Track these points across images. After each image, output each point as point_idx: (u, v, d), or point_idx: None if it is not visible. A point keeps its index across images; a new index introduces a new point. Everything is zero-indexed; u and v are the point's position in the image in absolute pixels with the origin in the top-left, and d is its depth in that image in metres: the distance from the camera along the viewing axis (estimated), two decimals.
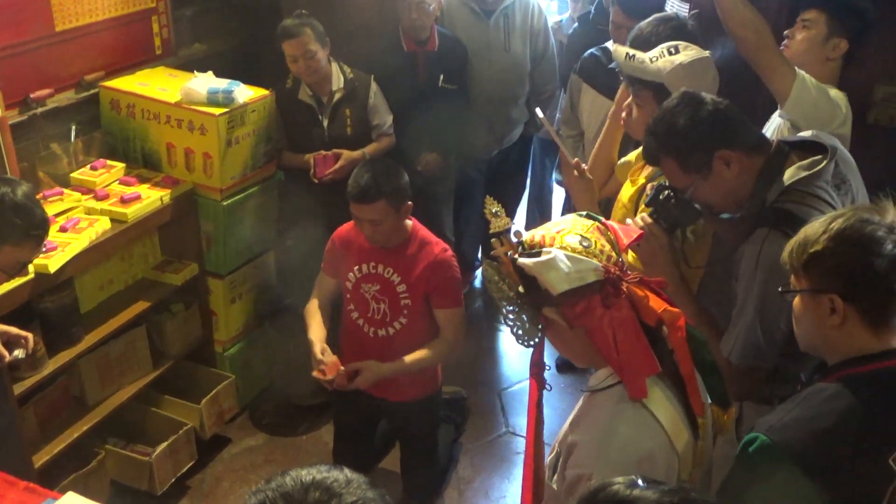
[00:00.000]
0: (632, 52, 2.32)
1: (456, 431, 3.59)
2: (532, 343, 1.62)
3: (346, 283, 2.95)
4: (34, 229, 2.31)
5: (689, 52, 2.27)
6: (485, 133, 4.15)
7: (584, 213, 1.69)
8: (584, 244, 1.56)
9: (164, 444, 3.16)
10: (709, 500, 1.03)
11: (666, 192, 2.03)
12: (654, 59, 2.27)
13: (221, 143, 3.25)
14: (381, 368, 2.83)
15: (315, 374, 2.82)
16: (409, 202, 2.82)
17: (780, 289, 1.64)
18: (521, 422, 3.75)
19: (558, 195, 4.96)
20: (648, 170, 2.39)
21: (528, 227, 4.99)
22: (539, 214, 4.85)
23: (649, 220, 2.04)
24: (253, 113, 3.39)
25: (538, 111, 2.60)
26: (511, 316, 1.60)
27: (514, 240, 1.62)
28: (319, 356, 2.82)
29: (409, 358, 2.86)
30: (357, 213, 2.78)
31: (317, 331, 2.93)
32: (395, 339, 2.93)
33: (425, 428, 3.23)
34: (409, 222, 2.89)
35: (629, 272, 1.60)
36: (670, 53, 2.27)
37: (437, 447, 3.27)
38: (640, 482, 1.10)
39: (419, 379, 3.00)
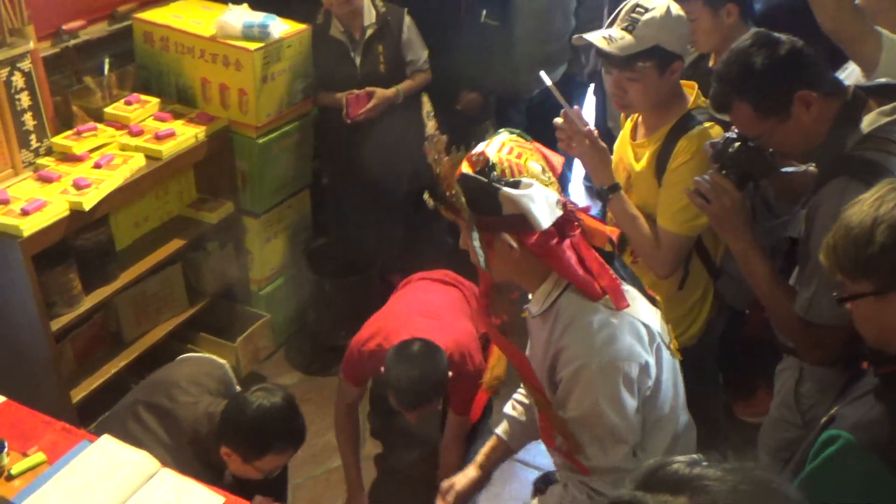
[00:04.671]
0: (605, 33, 2.19)
1: None
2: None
3: None
4: (300, 438, 2.27)
5: (655, 4, 2.17)
6: (526, 72, 3.99)
7: (504, 129, 1.73)
8: (545, 176, 1.63)
9: None
10: (773, 477, 0.97)
11: (737, 144, 1.92)
12: (630, 27, 2.16)
13: (257, 80, 3.17)
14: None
15: None
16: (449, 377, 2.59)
17: (835, 296, 1.51)
18: None
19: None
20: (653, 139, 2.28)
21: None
22: None
23: (718, 177, 1.93)
24: (289, 48, 3.28)
25: (543, 74, 2.33)
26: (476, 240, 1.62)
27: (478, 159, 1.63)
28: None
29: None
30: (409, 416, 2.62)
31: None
32: None
33: None
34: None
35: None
36: (642, 15, 2.16)
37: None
38: (701, 461, 1.03)
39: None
